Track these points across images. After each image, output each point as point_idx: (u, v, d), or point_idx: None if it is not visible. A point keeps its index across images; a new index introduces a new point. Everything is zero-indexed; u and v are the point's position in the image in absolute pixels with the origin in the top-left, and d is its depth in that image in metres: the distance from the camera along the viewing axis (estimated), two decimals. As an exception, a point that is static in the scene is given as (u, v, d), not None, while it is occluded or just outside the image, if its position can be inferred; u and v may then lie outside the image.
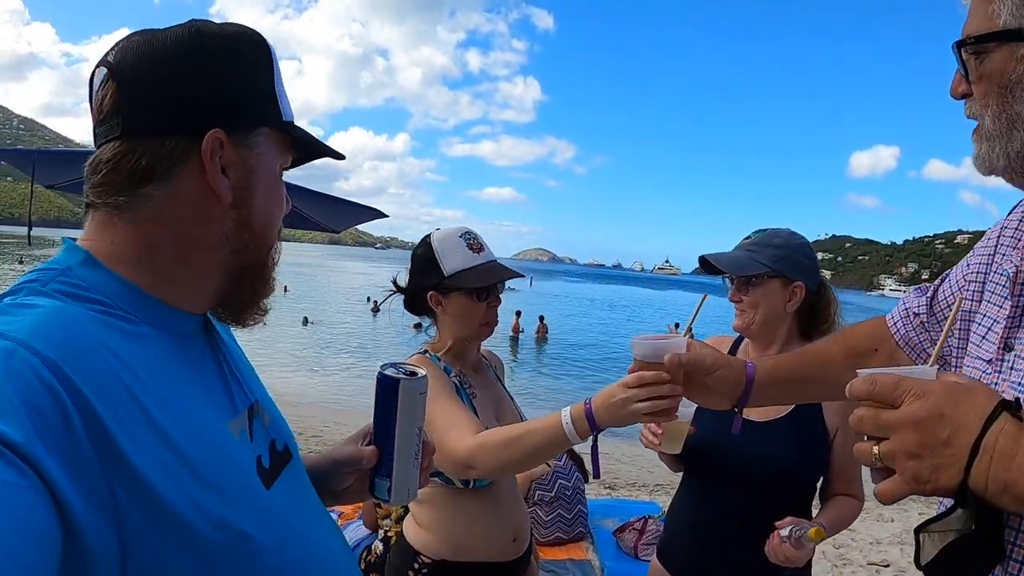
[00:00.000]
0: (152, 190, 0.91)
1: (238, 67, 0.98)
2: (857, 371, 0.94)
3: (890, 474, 0.89)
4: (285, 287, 47.99)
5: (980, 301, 1.24)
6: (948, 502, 0.89)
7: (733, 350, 2.50)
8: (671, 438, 2.04)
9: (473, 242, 2.17)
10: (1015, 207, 1.26)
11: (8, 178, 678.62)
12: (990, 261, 1.26)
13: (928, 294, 1.50)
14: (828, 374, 1.56)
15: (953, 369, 1.30)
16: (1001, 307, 1.14)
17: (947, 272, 1.47)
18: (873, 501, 1.04)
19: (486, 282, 2.13)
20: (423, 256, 2.19)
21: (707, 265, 2.37)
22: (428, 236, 2.22)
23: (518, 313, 28.65)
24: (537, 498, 4.95)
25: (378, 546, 3.76)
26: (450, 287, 2.14)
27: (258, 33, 1.04)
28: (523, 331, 28.61)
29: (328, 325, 29.36)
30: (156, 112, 0.92)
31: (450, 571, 2.08)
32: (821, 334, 2.32)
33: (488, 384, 2.31)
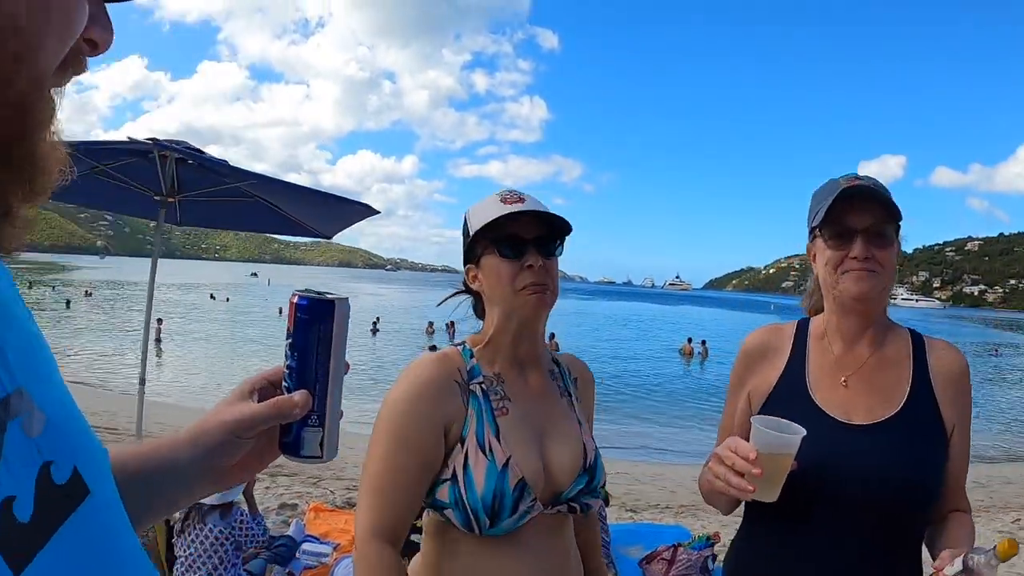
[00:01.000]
0: None
1: None
2: None
3: None
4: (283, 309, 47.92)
5: None
6: None
7: (800, 341, 1.95)
8: (769, 482, 1.60)
9: (510, 196, 1.69)
10: None
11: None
12: None
13: None
14: None
15: None
16: None
17: None
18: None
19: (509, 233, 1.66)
20: (462, 233, 1.79)
21: (843, 209, 1.75)
22: None
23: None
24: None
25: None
26: (478, 251, 1.71)
27: None
28: (558, 350, 28.44)
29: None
30: None
31: None
32: None
33: (541, 396, 1.75)
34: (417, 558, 1.73)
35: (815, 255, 1.85)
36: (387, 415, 1.62)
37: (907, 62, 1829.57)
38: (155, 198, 5.53)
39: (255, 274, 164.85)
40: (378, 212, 5.87)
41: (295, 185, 5.57)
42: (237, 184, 5.64)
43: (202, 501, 3.92)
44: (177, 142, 5.28)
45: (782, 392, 1.87)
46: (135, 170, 5.59)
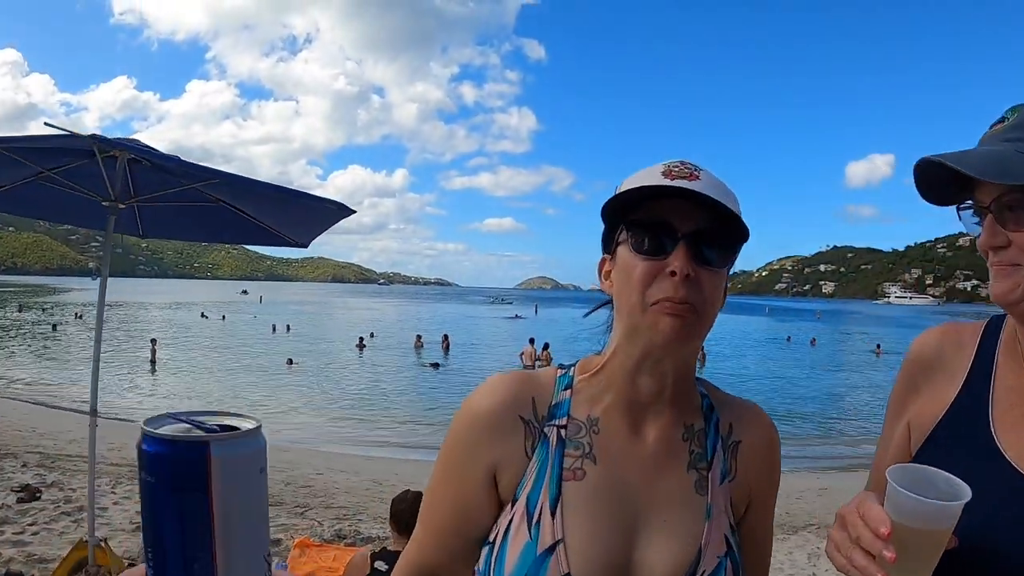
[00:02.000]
0: None
1: None
2: None
3: None
4: (288, 326, 47.72)
5: None
6: None
7: (987, 350, 1.29)
8: (911, 567, 1.02)
9: (679, 168, 1.16)
10: None
11: (10, 228, 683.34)
12: None
13: None
14: None
15: None
16: None
17: None
18: None
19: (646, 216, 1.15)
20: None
21: (931, 177, 1.22)
22: None
23: (531, 341, 28.16)
24: None
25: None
26: (615, 237, 1.22)
27: None
28: (552, 359, 28.26)
29: (314, 367, 28.23)
30: None
31: None
32: None
33: (652, 461, 1.21)
34: None
35: None
36: (448, 434, 1.28)
37: (891, 59, 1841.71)
38: (103, 204, 4.86)
39: (245, 292, 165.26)
40: (353, 211, 5.20)
41: (260, 183, 4.82)
42: (194, 186, 4.98)
43: None
44: (128, 140, 4.64)
45: (953, 425, 1.25)
46: (84, 174, 4.93)
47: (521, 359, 27.58)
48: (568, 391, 1.24)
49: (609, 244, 1.23)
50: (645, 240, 1.14)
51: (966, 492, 1.00)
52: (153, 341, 29.28)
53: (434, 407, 20.09)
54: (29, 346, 33.66)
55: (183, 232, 6.58)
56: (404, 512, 4.22)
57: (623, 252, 1.18)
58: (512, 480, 1.19)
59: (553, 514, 1.14)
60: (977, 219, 1.19)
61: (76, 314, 54.60)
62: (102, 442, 12.15)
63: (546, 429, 1.20)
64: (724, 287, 1.20)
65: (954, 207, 1.24)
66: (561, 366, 1.31)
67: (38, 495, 7.86)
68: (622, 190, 1.16)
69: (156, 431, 0.55)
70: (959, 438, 1.22)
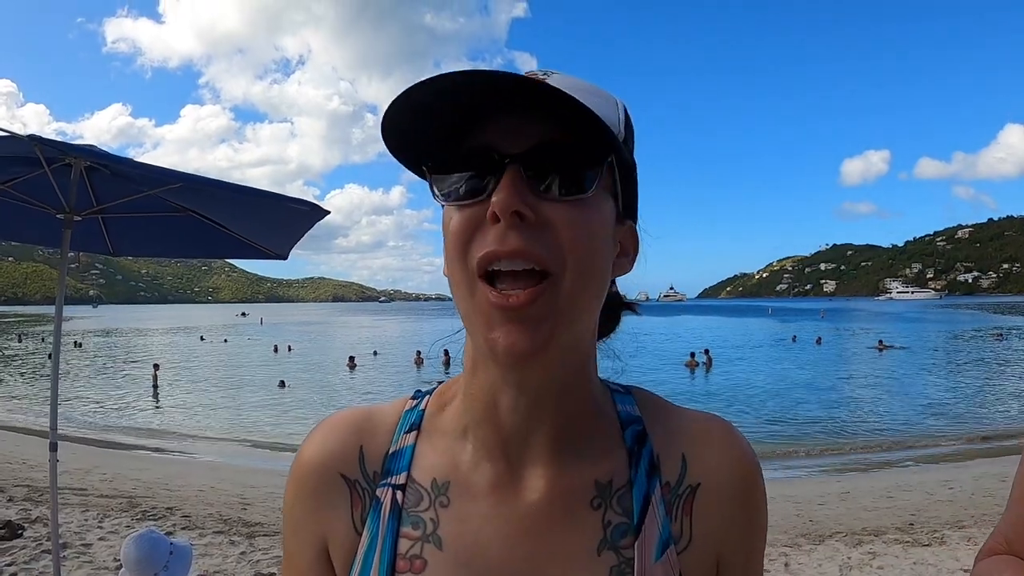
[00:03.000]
0: None
1: None
2: None
3: None
4: (289, 346, 47.57)
5: None
6: None
7: None
8: None
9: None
10: None
11: (10, 258, 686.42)
12: None
13: None
14: None
15: None
16: None
17: None
18: None
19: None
20: None
21: None
22: None
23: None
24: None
25: None
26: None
27: None
28: None
29: (308, 385, 27.78)
30: None
31: None
32: None
33: (513, 552, 0.81)
34: None
35: None
36: None
37: (883, 55, 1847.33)
38: (57, 216, 4.44)
39: (244, 314, 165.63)
40: (327, 212, 4.77)
41: (223, 183, 4.36)
42: (156, 193, 4.54)
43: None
44: (84, 145, 4.24)
45: None
46: (40, 185, 4.51)
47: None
48: (413, 433, 0.88)
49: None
50: (459, 179, 0.76)
51: None
52: (155, 367, 29.14)
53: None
54: (23, 376, 33.34)
55: (155, 248, 6.16)
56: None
57: (444, 210, 0.79)
58: (344, 561, 0.85)
59: None
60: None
61: (75, 342, 54.23)
62: (94, 473, 11.83)
63: (379, 491, 0.85)
64: (609, 231, 0.80)
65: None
66: (415, 394, 0.94)
67: (20, 532, 7.42)
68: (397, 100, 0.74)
69: None
70: None
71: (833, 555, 7.08)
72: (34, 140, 3.74)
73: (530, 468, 0.83)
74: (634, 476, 0.84)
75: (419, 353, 34.95)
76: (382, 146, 0.77)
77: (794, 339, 53.14)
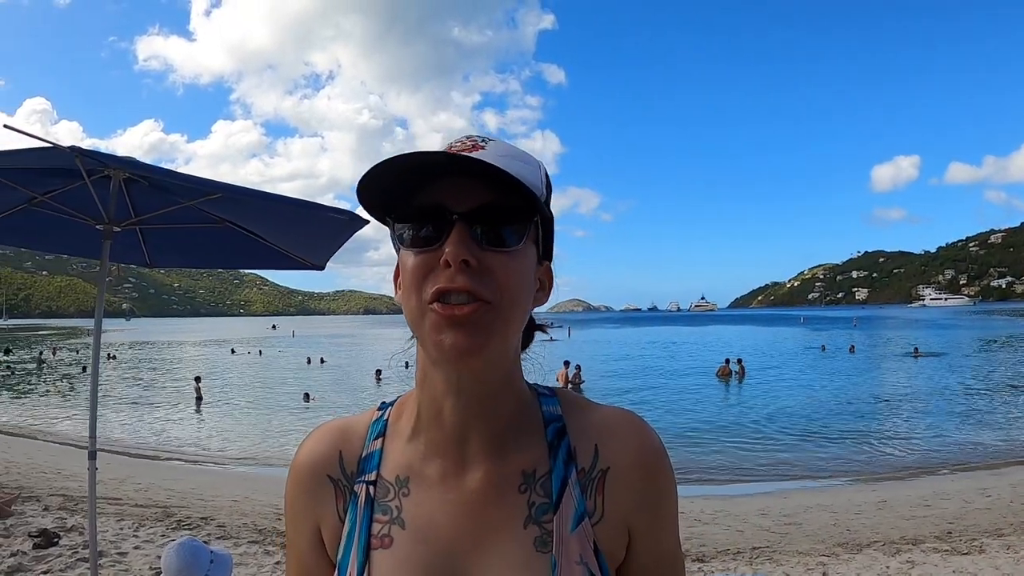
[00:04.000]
0: None
1: None
2: None
3: None
4: (321, 358, 47.81)
5: None
6: None
7: None
8: None
9: (459, 143, 1.03)
10: None
11: (44, 272, 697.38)
12: None
13: None
14: None
15: None
16: None
17: None
18: None
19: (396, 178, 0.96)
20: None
21: None
22: None
23: (567, 363, 27.88)
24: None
25: None
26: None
27: None
28: (584, 381, 28.09)
29: (330, 403, 27.77)
30: None
31: None
32: None
33: (479, 513, 1.03)
34: None
35: None
36: None
37: (912, 59, 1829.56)
38: (97, 227, 4.50)
39: (274, 327, 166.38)
40: (367, 221, 4.79)
41: (262, 194, 4.41)
42: (195, 204, 4.59)
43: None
44: (123, 157, 4.29)
45: None
46: (78, 197, 4.57)
47: (557, 382, 27.32)
48: (380, 440, 1.11)
49: (396, 247, 1.04)
50: (414, 229, 0.98)
51: None
52: (197, 379, 29.25)
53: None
54: (58, 387, 33.75)
55: (192, 259, 6.19)
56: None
57: (402, 251, 1.00)
58: (332, 543, 1.09)
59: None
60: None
61: (108, 355, 54.88)
62: (128, 482, 11.95)
63: (356, 487, 1.09)
64: (532, 273, 1.02)
65: None
66: (381, 406, 1.17)
67: (56, 540, 7.50)
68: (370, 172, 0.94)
69: None
70: None
71: (871, 564, 6.98)
72: (75, 151, 3.78)
73: (470, 462, 1.03)
74: (553, 464, 1.03)
75: (379, 372, 34.59)
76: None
77: (823, 348, 52.68)
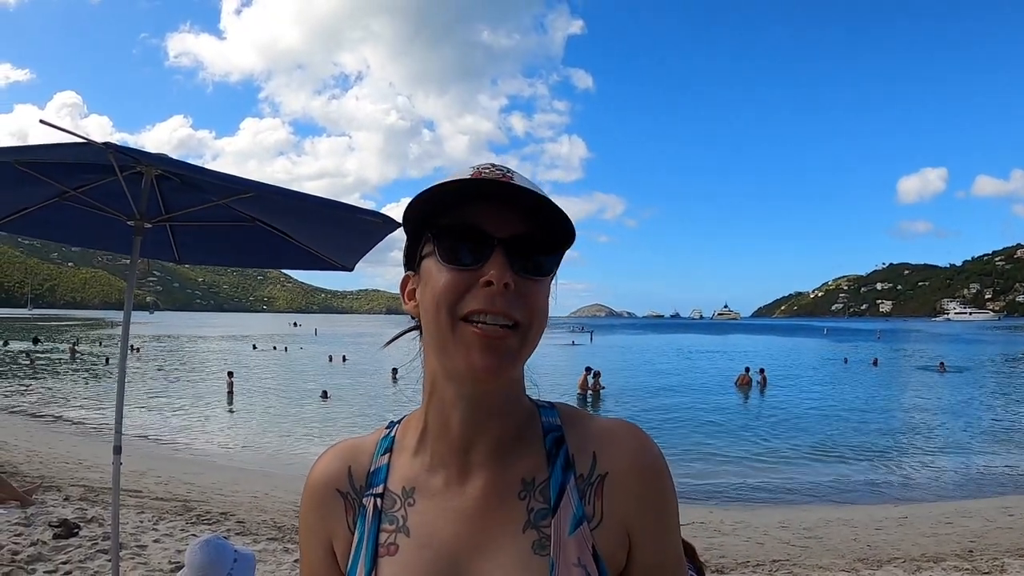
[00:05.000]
0: None
1: None
2: None
3: None
4: (344, 356, 48.00)
5: None
6: None
7: None
8: None
9: (488, 169, 1.04)
10: None
11: (70, 264, 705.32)
12: None
13: None
14: None
15: None
16: None
17: None
18: None
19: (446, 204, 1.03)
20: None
21: None
22: None
23: (588, 369, 27.79)
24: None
25: None
26: (419, 249, 1.10)
27: None
28: (604, 387, 27.99)
29: (347, 399, 27.78)
30: None
31: None
32: None
33: (462, 534, 1.07)
34: None
35: None
36: None
37: (939, 71, 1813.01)
38: (128, 223, 4.52)
39: (296, 324, 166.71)
40: (399, 224, 4.77)
41: (294, 193, 4.40)
42: (226, 202, 4.61)
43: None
44: (155, 153, 4.29)
45: None
46: (109, 192, 4.60)
47: (578, 388, 27.35)
48: (387, 455, 1.17)
49: (413, 259, 1.11)
50: (454, 248, 1.01)
51: None
52: (230, 374, 29.43)
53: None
54: (82, 378, 34.04)
55: (220, 257, 6.19)
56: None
57: (429, 265, 1.04)
58: (343, 552, 1.14)
59: None
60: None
61: (132, 346, 55.28)
62: (149, 475, 12.03)
63: (364, 500, 1.14)
64: (552, 292, 1.09)
65: None
66: (388, 424, 1.23)
67: (76, 531, 7.56)
68: (433, 193, 1.01)
69: None
70: None
71: (893, 582, 6.91)
72: (108, 147, 3.79)
73: (472, 472, 1.08)
74: (551, 472, 1.08)
75: (395, 370, 34.59)
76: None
77: (845, 361, 52.25)
